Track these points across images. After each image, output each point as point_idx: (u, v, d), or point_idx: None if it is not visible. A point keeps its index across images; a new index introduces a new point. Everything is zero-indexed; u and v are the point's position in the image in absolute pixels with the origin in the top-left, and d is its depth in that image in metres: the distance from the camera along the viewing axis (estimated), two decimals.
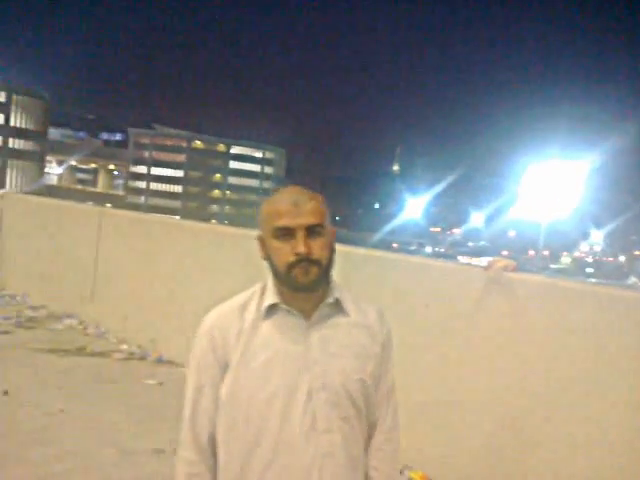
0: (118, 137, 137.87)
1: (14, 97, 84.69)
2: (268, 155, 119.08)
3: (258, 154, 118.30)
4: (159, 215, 12.13)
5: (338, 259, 1.57)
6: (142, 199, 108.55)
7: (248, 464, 1.48)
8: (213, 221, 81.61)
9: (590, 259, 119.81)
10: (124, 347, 5.87)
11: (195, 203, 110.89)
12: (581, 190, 56.55)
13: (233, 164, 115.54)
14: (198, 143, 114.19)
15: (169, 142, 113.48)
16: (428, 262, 4.89)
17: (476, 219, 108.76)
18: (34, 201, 8.90)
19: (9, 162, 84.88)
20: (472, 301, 3.62)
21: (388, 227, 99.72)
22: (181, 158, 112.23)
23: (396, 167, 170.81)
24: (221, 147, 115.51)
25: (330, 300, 1.52)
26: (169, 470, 3.58)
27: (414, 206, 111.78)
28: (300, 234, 1.44)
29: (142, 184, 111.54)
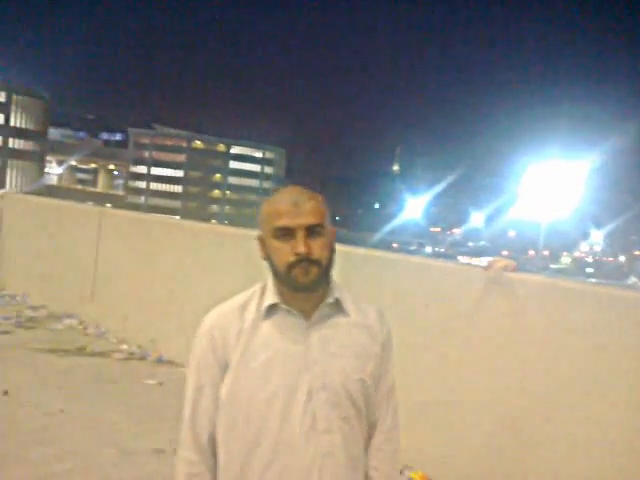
0: (118, 137, 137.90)
1: (14, 97, 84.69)
2: (268, 155, 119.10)
3: (258, 154, 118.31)
4: (159, 215, 12.14)
5: (338, 259, 1.57)
6: (142, 199, 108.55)
7: (248, 464, 1.48)
8: (213, 221, 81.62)
9: (590, 259, 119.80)
10: (124, 347, 5.87)
11: (195, 203, 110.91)
12: (581, 190, 56.57)
13: (233, 164, 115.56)
14: (198, 143, 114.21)
15: (169, 142, 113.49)
16: (428, 262, 4.89)
17: (476, 219, 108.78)
18: (34, 201, 8.90)
19: (9, 162, 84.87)
20: (472, 301, 3.62)
21: (388, 227, 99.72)
22: (181, 158, 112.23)
23: (396, 167, 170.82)
24: (221, 147, 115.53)
25: (330, 300, 1.52)
26: (169, 470, 3.57)
27: (414, 206, 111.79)
28: (300, 234, 1.44)
29: (142, 184, 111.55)
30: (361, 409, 1.53)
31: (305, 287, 1.46)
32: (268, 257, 1.50)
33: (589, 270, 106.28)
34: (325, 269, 1.47)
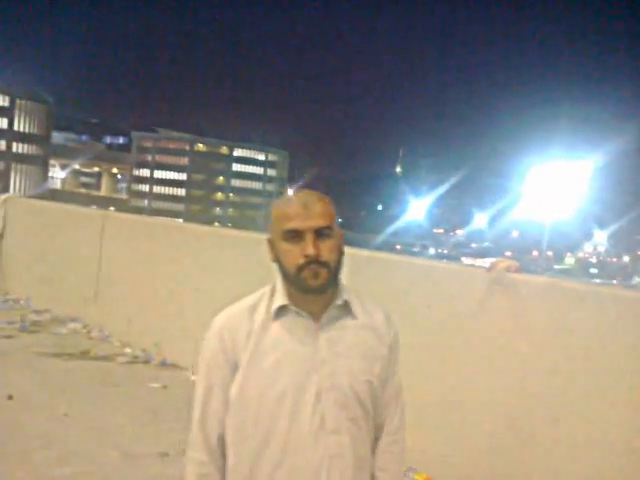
0: (121, 141, 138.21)
1: (17, 101, 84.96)
2: (271, 157, 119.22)
3: (261, 157, 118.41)
4: (162, 218, 12.14)
5: None
6: (145, 202, 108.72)
7: (257, 465, 1.49)
8: (216, 224, 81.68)
9: (594, 260, 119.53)
10: (128, 350, 5.87)
11: (198, 206, 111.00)
12: (584, 190, 56.50)
13: (236, 167, 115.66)
14: (201, 146, 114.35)
15: (172, 145, 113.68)
16: (430, 263, 4.89)
17: (479, 220, 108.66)
18: (37, 205, 8.92)
19: (13, 166, 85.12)
20: (474, 302, 3.62)
21: (391, 229, 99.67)
22: (184, 161, 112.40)
23: (399, 169, 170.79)
24: (224, 150, 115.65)
25: (339, 302, 1.54)
26: (173, 473, 3.60)
27: (417, 208, 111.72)
28: (309, 236, 1.46)
29: (145, 187, 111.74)
30: (368, 410, 1.54)
31: (314, 290, 1.48)
32: (277, 259, 1.52)
33: (593, 271, 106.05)
34: (334, 271, 1.49)
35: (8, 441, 3.81)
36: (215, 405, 1.53)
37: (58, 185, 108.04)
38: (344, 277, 1.59)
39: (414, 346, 3.65)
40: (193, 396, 1.58)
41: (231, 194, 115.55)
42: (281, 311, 1.52)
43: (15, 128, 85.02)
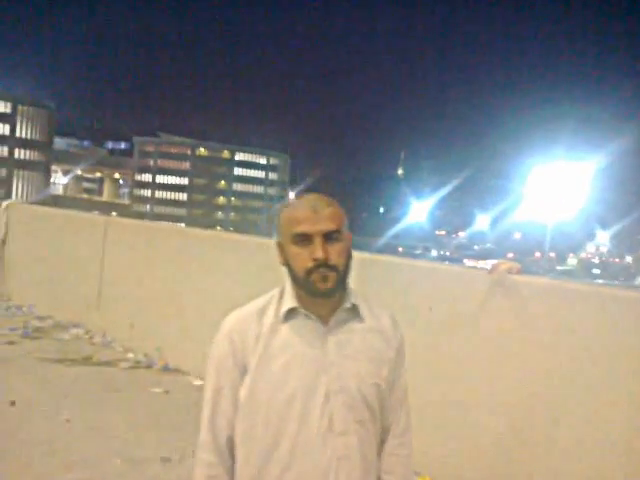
0: (123, 146, 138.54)
1: (19, 108, 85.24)
2: (272, 161, 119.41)
3: (262, 160, 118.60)
4: (164, 223, 12.16)
5: None
6: (148, 207, 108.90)
7: (266, 466, 1.50)
8: (218, 228, 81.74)
9: (597, 260, 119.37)
10: (130, 356, 5.87)
11: (200, 210, 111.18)
12: (587, 191, 56.47)
13: (237, 170, 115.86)
14: (202, 150, 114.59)
15: (174, 150, 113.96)
16: (432, 265, 4.89)
17: (481, 222, 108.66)
18: (40, 211, 8.94)
19: (15, 172, 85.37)
20: (476, 303, 3.62)
21: (393, 231, 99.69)
22: (186, 165, 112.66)
23: (400, 171, 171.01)
24: (225, 154, 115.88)
25: (347, 305, 1.55)
26: (175, 478, 3.59)
27: (419, 210, 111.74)
28: (318, 240, 1.47)
29: (147, 192, 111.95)
30: (375, 413, 1.56)
31: (323, 293, 1.49)
32: (287, 263, 1.53)
33: (596, 271, 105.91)
34: (342, 275, 1.51)
35: (11, 447, 3.81)
36: (224, 406, 1.54)
37: (60, 191, 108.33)
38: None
39: (416, 347, 3.65)
40: (202, 398, 1.58)
41: (233, 198, 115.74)
42: (290, 314, 1.53)
43: (17, 134, 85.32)
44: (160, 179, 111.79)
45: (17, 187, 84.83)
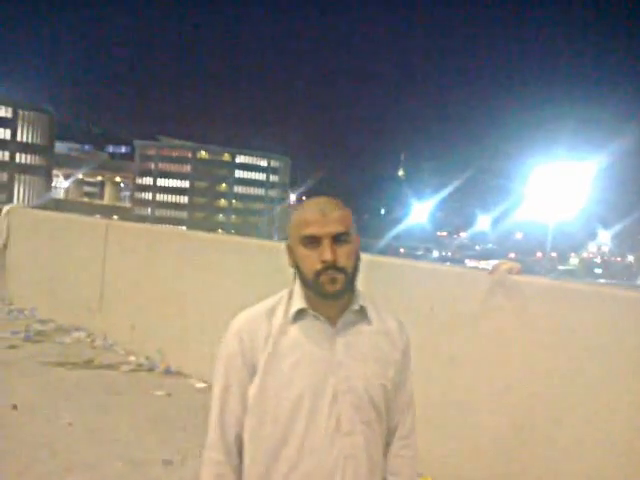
0: (124, 149, 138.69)
1: (20, 112, 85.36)
2: (273, 163, 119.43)
3: (263, 163, 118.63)
4: (165, 226, 12.17)
5: None
6: (149, 210, 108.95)
7: (273, 465, 1.51)
8: (220, 231, 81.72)
9: (598, 260, 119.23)
10: (132, 359, 5.88)
11: (201, 213, 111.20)
12: (588, 191, 56.37)
13: (238, 173, 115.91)
14: (203, 153, 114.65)
15: (175, 153, 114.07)
16: (433, 266, 4.89)
17: (483, 222, 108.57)
18: (41, 215, 8.95)
19: (16, 176, 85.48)
20: (477, 303, 3.63)
21: (394, 232, 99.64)
22: (187, 169, 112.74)
23: (401, 172, 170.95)
24: (226, 156, 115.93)
25: (355, 307, 1.57)
26: None
27: (420, 211, 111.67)
28: (326, 242, 1.49)
29: (148, 195, 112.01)
30: (382, 413, 1.57)
31: (332, 295, 1.51)
32: (296, 264, 1.55)
33: (597, 271, 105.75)
34: (351, 277, 1.52)
35: (12, 451, 3.82)
36: (233, 404, 1.55)
37: (61, 195, 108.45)
38: None
39: (417, 347, 3.66)
40: (210, 398, 1.59)
41: (234, 200, 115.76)
42: (299, 314, 1.55)
43: (18, 139, 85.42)
44: (161, 182, 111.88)
45: (18, 191, 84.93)
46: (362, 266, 1.59)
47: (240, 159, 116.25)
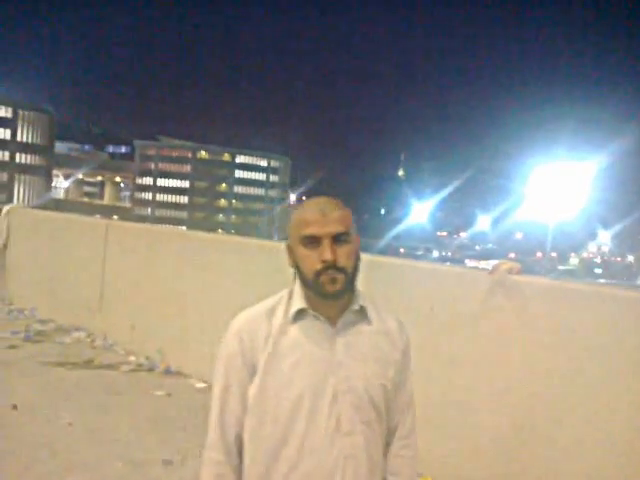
0: (124, 149, 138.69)
1: (20, 112, 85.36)
2: (273, 163, 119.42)
3: (263, 163, 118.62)
4: (165, 226, 12.17)
5: None
6: (149, 210, 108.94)
7: (273, 465, 1.52)
8: (220, 231, 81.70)
9: (598, 260, 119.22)
10: (132, 359, 5.88)
11: (201, 213, 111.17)
12: (588, 191, 56.36)
13: (238, 173, 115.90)
14: (203, 153, 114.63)
15: (175, 153, 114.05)
16: (433, 267, 4.89)
17: (483, 222, 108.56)
18: (41, 215, 8.95)
19: (16, 176, 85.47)
20: (477, 303, 3.63)
21: (394, 232, 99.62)
22: (187, 169, 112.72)
23: (401, 172, 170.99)
24: (226, 156, 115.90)
25: (355, 307, 1.57)
26: None
27: (420, 211, 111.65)
28: (326, 242, 1.49)
29: (148, 195, 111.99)
30: (382, 413, 1.58)
31: (332, 295, 1.51)
32: (296, 264, 1.55)
33: (597, 271, 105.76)
34: (351, 277, 1.52)
35: (12, 451, 3.82)
36: (233, 404, 1.55)
37: (61, 195, 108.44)
38: None
39: (417, 347, 3.66)
40: (210, 398, 1.60)
41: (234, 201, 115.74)
42: (299, 314, 1.55)
43: (18, 139, 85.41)
44: (161, 182, 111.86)
45: (18, 191, 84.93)
46: (362, 266, 1.60)
47: (240, 159, 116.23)
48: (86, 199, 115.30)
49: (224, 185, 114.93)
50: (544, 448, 3.30)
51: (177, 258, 5.99)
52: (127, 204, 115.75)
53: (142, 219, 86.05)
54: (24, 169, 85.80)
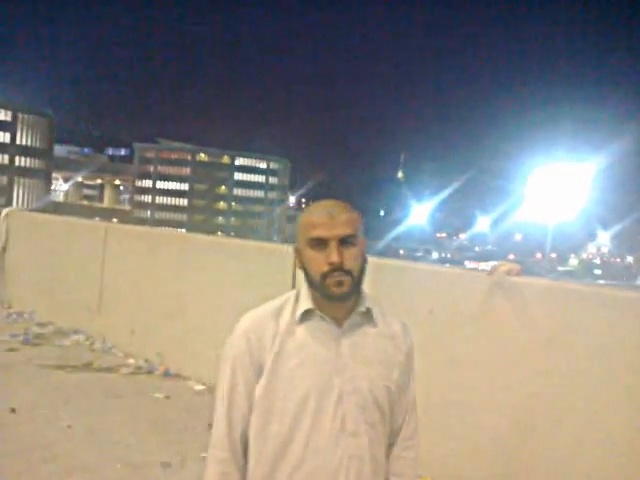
0: (123, 152, 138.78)
1: (20, 115, 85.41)
2: (272, 165, 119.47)
3: (262, 165, 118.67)
4: (164, 229, 12.16)
5: None
6: (148, 213, 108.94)
7: (278, 465, 1.53)
8: (219, 233, 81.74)
9: (598, 260, 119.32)
10: (131, 361, 5.87)
11: (201, 216, 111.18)
12: (587, 192, 56.41)
13: (238, 175, 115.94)
14: (203, 156, 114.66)
15: (174, 156, 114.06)
16: (433, 268, 4.89)
17: (482, 223, 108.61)
18: (40, 218, 8.95)
19: (16, 180, 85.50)
20: (477, 304, 3.63)
21: (394, 233, 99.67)
22: (186, 171, 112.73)
23: (400, 174, 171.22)
24: (225, 159, 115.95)
25: (361, 309, 1.58)
26: None
27: (420, 212, 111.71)
28: (333, 244, 1.50)
29: (148, 198, 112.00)
30: (385, 415, 1.59)
31: (338, 297, 1.52)
32: (303, 266, 1.56)
33: (597, 272, 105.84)
34: (357, 279, 1.54)
35: (12, 454, 3.81)
36: (239, 402, 1.56)
37: (61, 198, 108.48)
38: None
39: (417, 348, 3.65)
40: (215, 397, 1.60)
41: (233, 203, 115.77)
42: (306, 315, 1.56)
43: (17, 142, 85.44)
44: (160, 185, 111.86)
45: (18, 194, 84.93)
46: (369, 268, 1.61)
47: (239, 161, 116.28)
48: (85, 202, 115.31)
49: (223, 187, 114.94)
50: (544, 448, 3.30)
51: (176, 261, 5.99)
52: (126, 207, 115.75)
53: (141, 222, 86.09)
54: (23, 172, 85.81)
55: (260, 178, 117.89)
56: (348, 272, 1.51)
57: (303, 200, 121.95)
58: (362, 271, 1.56)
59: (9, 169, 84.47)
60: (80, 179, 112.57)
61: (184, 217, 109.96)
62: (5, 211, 8.21)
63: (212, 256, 5.77)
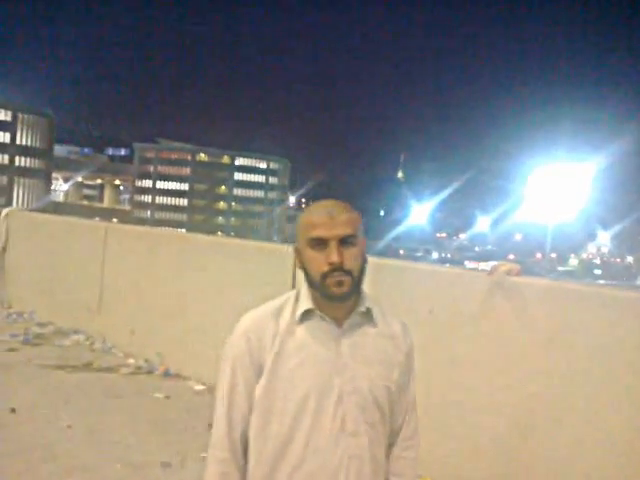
0: (123, 152, 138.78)
1: (20, 116, 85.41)
2: (272, 165, 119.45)
3: (262, 165, 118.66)
4: (164, 229, 12.16)
5: None
6: (148, 213, 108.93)
7: (278, 465, 1.53)
8: (219, 233, 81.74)
9: (598, 260, 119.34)
10: (131, 361, 5.87)
11: (201, 216, 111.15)
12: (587, 192, 56.41)
13: (238, 175, 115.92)
14: (203, 156, 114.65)
15: (174, 156, 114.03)
16: (433, 268, 4.90)
17: (482, 223, 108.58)
18: (40, 218, 8.95)
19: (16, 180, 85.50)
20: (476, 304, 3.63)
21: (394, 233, 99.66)
22: (186, 171, 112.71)
23: (400, 174, 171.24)
24: (225, 159, 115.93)
25: (362, 309, 1.58)
26: None
27: (420, 212, 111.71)
28: (333, 244, 1.50)
29: (148, 198, 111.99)
30: (385, 415, 1.59)
31: (338, 298, 1.53)
32: (303, 266, 1.56)
33: (597, 272, 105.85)
34: (357, 279, 1.54)
35: (12, 454, 3.81)
36: (240, 402, 1.56)
37: (61, 198, 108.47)
38: None
39: (417, 348, 3.65)
40: (215, 397, 1.60)
41: (233, 203, 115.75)
42: (306, 315, 1.56)
43: (17, 142, 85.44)
44: (160, 185, 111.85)
45: (18, 194, 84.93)
46: (369, 268, 1.61)
47: (239, 161, 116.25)
48: (85, 202, 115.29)
49: (223, 187, 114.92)
50: (544, 448, 3.30)
51: (176, 261, 5.99)
52: (126, 207, 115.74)
53: (141, 222, 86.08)
54: (23, 172, 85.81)
55: (260, 178, 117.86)
56: (348, 272, 1.51)
57: (303, 200, 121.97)
58: (362, 271, 1.56)
59: (9, 169, 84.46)
60: (80, 179, 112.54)
61: (184, 217, 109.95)
62: (5, 211, 8.21)
63: (212, 256, 5.77)
